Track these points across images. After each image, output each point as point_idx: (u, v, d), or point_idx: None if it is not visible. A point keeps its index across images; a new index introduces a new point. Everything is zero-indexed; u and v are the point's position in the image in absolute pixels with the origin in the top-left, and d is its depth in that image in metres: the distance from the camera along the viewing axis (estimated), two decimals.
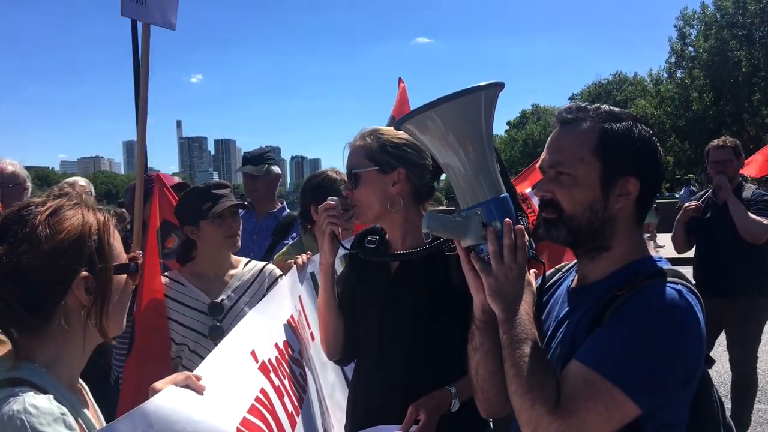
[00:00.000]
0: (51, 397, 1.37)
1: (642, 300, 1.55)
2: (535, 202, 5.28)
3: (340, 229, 2.49)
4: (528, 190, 5.39)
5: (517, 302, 1.62)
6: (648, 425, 1.54)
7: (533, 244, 1.74)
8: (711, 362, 1.73)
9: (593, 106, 1.73)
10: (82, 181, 4.55)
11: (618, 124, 1.68)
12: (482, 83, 1.66)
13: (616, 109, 1.74)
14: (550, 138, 1.77)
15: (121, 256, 1.60)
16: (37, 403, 1.32)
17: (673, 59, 45.99)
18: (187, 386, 1.60)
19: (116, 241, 1.59)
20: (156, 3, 3.76)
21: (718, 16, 41.73)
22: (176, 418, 1.47)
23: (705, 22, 42.52)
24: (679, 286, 1.57)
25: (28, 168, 4.57)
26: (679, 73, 45.83)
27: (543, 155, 1.77)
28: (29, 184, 4.40)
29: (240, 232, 3.23)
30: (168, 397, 1.51)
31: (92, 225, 1.52)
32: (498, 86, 1.68)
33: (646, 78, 54.60)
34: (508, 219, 1.65)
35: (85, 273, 1.47)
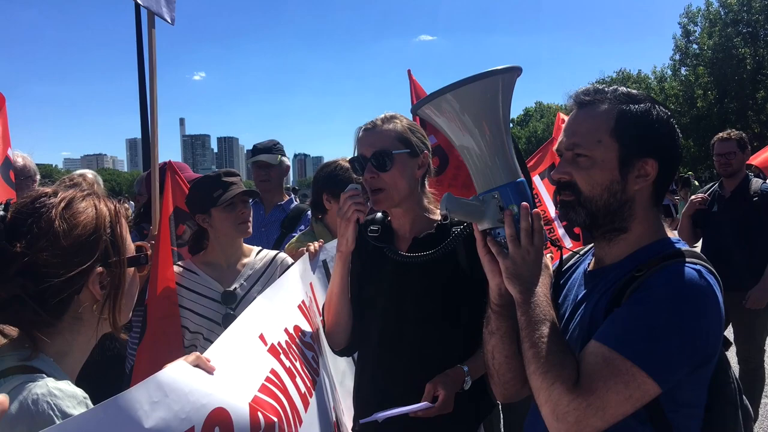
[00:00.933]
0: (69, 381, 1.37)
1: (661, 280, 1.56)
2: (540, 189, 5.27)
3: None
4: (536, 179, 5.40)
5: (534, 284, 1.63)
6: (667, 405, 1.55)
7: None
8: (728, 344, 1.73)
9: (611, 88, 1.74)
10: (89, 173, 4.57)
11: (636, 106, 1.69)
12: (500, 67, 1.67)
13: (634, 91, 1.74)
14: (567, 120, 1.78)
15: (131, 247, 1.58)
16: (60, 387, 1.32)
17: (677, 57, 45.94)
18: (197, 366, 1.61)
19: (126, 231, 1.57)
20: None
21: (722, 13, 41.64)
22: (190, 389, 1.48)
23: (710, 19, 42.43)
24: (698, 266, 1.58)
25: None
26: (683, 71, 45.77)
27: (560, 137, 1.77)
28: (38, 177, 4.41)
29: (250, 219, 3.24)
30: (181, 370, 1.51)
31: (106, 216, 1.50)
32: (516, 71, 1.70)
33: (650, 75, 54.48)
34: (525, 203, 1.67)
35: (100, 268, 1.45)
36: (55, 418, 1.26)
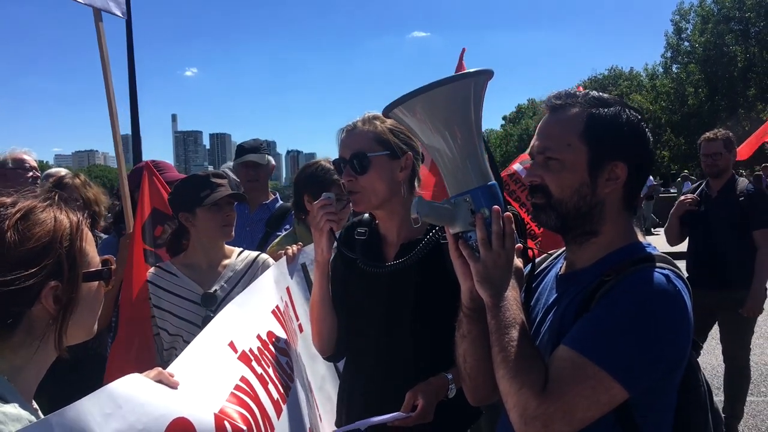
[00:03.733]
0: (16, 404, 1.31)
1: (629, 285, 1.56)
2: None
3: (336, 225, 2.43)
4: (516, 166, 5.42)
5: (505, 288, 1.62)
6: (636, 409, 1.55)
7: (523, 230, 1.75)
8: (698, 348, 1.74)
9: (583, 92, 1.74)
10: (62, 171, 4.56)
11: (605, 110, 1.69)
12: (471, 70, 1.67)
13: (605, 95, 1.75)
14: (539, 124, 1.78)
15: (94, 260, 1.51)
16: (5, 410, 1.26)
17: (668, 54, 46.08)
18: (159, 381, 1.58)
19: (89, 244, 1.50)
20: None
21: (715, 9, 41.77)
22: (146, 399, 1.44)
23: (702, 16, 42.57)
24: (666, 271, 1.58)
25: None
26: (674, 68, 45.93)
27: (533, 141, 1.78)
28: (34, 174, 4.41)
29: (234, 223, 3.22)
30: (136, 381, 1.47)
31: (65, 229, 1.43)
32: (487, 74, 1.69)
33: (642, 73, 54.66)
34: (496, 206, 1.66)
35: (53, 283, 1.38)
36: None
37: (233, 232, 3.24)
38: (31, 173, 4.37)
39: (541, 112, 1.81)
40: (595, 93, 1.75)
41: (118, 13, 3.90)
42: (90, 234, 1.54)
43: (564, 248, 1.89)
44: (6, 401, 1.30)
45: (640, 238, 1.77)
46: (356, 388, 2.56)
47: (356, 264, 2.50)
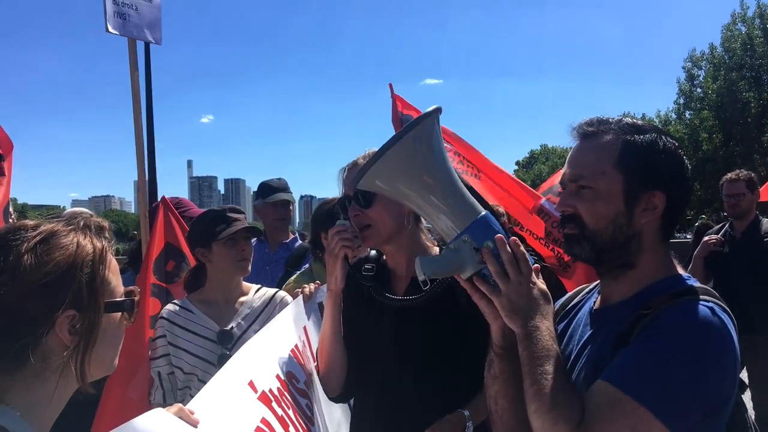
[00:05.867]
0: None
1: (672, 318, 1.48)
2: (553, 210, 5.17)
3: (351, 253, 2.38)
4: (544, 201, 5.33)
5: (535, 315, 1.55)
6: None
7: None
8: (744, 387, 1.64)
9: (615, 118, 1.69)
10: (88, 212, 4.54)
11: (641, 137, 1.63)
12: (415, 118, 1.60)
13: (639, 122, 1.69)
14: (570, 152, 1.72)
15: (117, 290, 1.43)
16: None
17: (681, 100, 46.22)
18: (180, 418, 1.52)
19: (113, 274, 1.42)
20: (140, 18, 3.85)
21: (726, 57, 42.04)
22: None
23: (714, 63, 42.82)
24: (710, 304, 1.50)
25: (38, 206, 4.57)
26: (687, 114, 46.00)
27: (564, 169, 1.72)
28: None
29: (251, 258, 3.17)
30: (160, 417, 1.42)
31: (87, 255, 1.36)
32: (430, 116, 1.61)
33: (655, 119, 54.79)
34: (498, 235, 1.59)
35: (71, 312, 1.30)
36: None
37: (250, 268, 3.19)
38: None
39: (560, 165, 1.74)
40: (628, 119, 1.69)
41: (152, 39, 3.98)
42: (115, 262, 1.46)
43: (597, 282, 1.82)
44: None
45: (680, 270, 1.69)
46: (365, 426, 2.49)
47: (364, 299, 2.44)
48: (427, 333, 2.34)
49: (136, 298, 1.46)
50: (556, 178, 5.79)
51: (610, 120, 1.68)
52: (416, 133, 1.58)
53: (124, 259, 4.35)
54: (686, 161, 1.68)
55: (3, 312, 1.25)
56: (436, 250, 2.48)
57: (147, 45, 3.92)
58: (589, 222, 1.63)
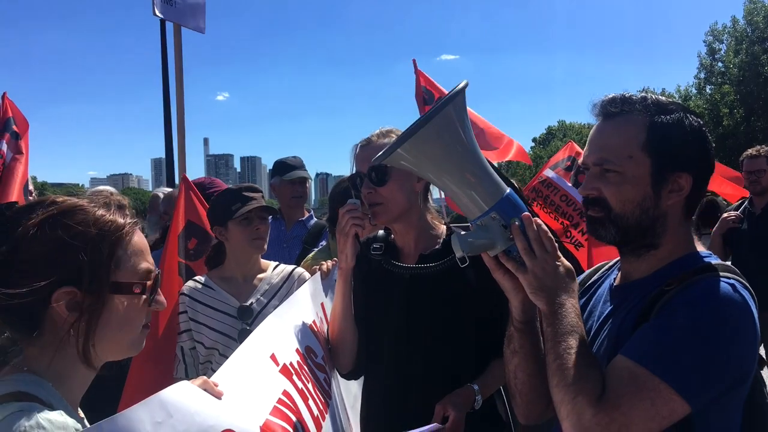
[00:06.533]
0: (62, 411, 1.27)
1: (692, 294, 1.48)
2: (562, 183, 5.17)
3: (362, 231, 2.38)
4: (547, 172, 5.33)
5: (560, 292, 1.56)
6: (699, 426, 1.47)
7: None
8: (763, 363, 1.65)
9: (639, 96, 1.65)
10: (111, 189, 4.62)
11: (667, 117, 1.60)
12: (447, 96, 1.58)
13: (663, 99, 1.66)
14: (592, 132, 1.69)
15: (135, 269, 1.41)
16: (50, 418, 1.22)
17: (702, 75, 45.48)
18: (204, 390, 1.54)
19: (133, 254, 1.40)
20: (186, 6, 3.87)
21: (749, 30, 41.22)
22: (195, 409, 1.40)
23: (735, 37, 42.01)
24: (731, 280, 1.50)
25: (58, 185, 4.67)
26: (708, 89, 45.29)
27: (585, 151, 1.70)
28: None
29: (267, 236, 3.20)
30: (186, 390, 1.44)
31: (95, 234, 1.35)
32: (459, 93, 1.59)
33: (675, 94, 53.96)
34: (525, 213, 1.59)
35: (68, 288, 1.31)
36: None
37: (266, 246, 3.22)
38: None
39: (576, 142, 1.73)
40: (653, 97, 1.65)
41: (196, 27, 4.02)
42: (141, 241, 1.45)
43: (616, 259, 1.82)
44: (52, 408, 1.27)
45: (700, 247, 1.68)
46: (373, 404, 2.52)
47: (374, 276, 2.47)
48: (437, 306, 2.37)
49: (149, 282, 1.43)
50: (565, 153, 5.79)
51: (634, 98, 1.64)
52: (446, 114, 1.57)
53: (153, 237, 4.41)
54: (710, 139, 1.66)
55: (8, 281, 1.28)
56: (443, 228, 2.50)
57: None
58: (615, 206, 1.61)
